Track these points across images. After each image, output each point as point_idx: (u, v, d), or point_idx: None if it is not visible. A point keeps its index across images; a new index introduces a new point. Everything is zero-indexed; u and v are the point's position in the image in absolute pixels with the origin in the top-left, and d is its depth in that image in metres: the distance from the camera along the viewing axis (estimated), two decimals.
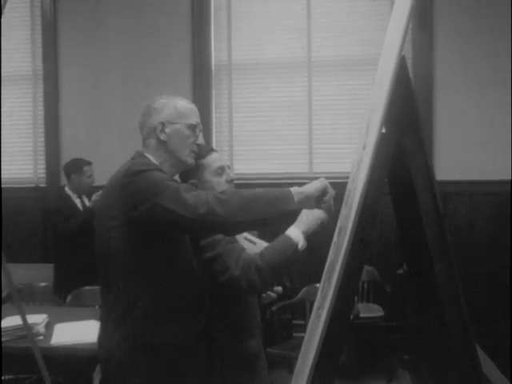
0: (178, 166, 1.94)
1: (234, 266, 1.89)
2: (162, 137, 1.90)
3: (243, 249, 1.99)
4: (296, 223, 1.93)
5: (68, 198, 4.41)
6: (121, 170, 1.84)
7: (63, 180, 5.19)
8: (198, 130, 1.96)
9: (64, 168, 4.51)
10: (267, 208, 1.64)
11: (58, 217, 4.25)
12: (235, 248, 1.96)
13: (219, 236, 1.94)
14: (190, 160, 1.94)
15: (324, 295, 1.65)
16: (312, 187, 1.70)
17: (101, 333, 1.92)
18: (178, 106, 1.94)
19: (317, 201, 1.71)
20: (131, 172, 1.76)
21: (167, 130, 1.90)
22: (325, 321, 1.38)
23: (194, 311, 1.91)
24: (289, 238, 1.92)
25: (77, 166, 4.40)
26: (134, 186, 1.73)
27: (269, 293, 2.20)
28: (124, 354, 1.79)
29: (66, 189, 4.47)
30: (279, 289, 2.20)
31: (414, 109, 1.30)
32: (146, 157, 1.91)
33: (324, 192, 1.71)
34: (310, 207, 1.73)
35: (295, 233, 1.92)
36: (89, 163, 4.41)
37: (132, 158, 1.93)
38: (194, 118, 1.96)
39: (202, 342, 1.94)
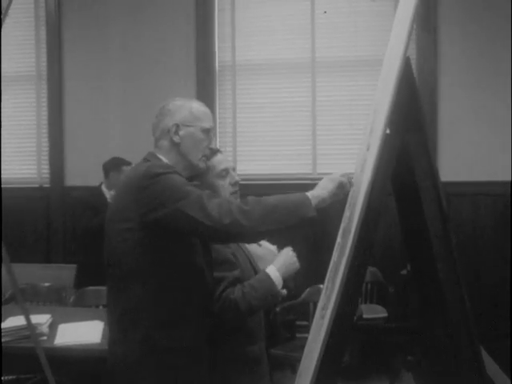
0: (190, 169, 1.92)
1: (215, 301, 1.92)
2: (176, 139, 1.89)
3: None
4: (275, 263, 2.01)
5: (102, 195, 4.41)
6: (137, 171, 1.82)
7: (67, 180, 5.22)
8: (211, 134, 1.96)
9: (103, 166, 4.49)
10: (288, 217, 1.65)
11: (87, 213, 4.27)
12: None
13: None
14: (202, 164, 1.93)
15: (328, 296, 1.65)
16: (325, 191, 1.70)
17: (110, 336, 1.90)
18: (193, 108, 1.93)
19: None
20: (149, 174, 1.74)
21: (181, 133, 1.89)
22: (329, 321, 1.38)
23: (203, 315, 1.89)
24: (272, 283, 1.97)
25: (116, 165, 4.41)
26: (152, 188, 1.71)
27: None
28: (134, 358, 1.78)
29: (103, 186, 4.48)
30: (284, 292, 2.20)
31: (419, 109, 1.30)
32: (159, 158, 1.90)
33: (339, 192, 1.73)
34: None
35: (277, 277, 1.99)
36: (128, 163, 4.40)
37: (145, 159, 1.92)
38: (209, 122, 1.95)
39: (208, 346, 1.93)
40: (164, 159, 1.90)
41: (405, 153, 1.38)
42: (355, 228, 1.30)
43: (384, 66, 1.89)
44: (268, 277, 1.98)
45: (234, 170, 2.12)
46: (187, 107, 1.93)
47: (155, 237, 1.74)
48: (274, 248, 2.18)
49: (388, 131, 1.42)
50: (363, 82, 4.87)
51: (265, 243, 2.20)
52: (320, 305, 2.03)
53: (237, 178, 2.09)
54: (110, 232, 1.85)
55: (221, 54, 5.08)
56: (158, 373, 1.78)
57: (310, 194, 1.69)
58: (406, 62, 1.26)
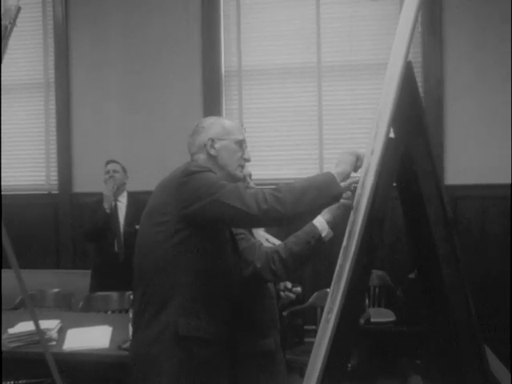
0: (228, 179, 2.00)
1: (256, 259, 2.02)
2: (212, 152, 2.02)
3: (261, 244, 2.10)
4: (322, 212, 2.04)
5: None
6: (175, 172, 1.93)
7: (75, 187, 5.25)
8: (244, 145, 2.09)
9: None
10: (318, 196, 1.74)
11: (86, 215, 4.32)
12: (255, 244, 2.08)
13: (241, 234, 2.08)
14: (239, 173, 2.06)
15: (333, 299, 1.66)
16: (348, 165, 1.79)
17: (134, 326, 1.96)
18: (225, 124, 2.07)
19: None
20: (187, 172, 1.86)
21: (216, 146, 2.02)
22: (333, 325, 1.39)
23: (227, 311, 1.96)
24: (314, 227, 2.04)
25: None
26: (189, 184, 1.82)
27: (287, 293, 2.24)
28: (157, 347, 1.83)
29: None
30: (298, 289, 2.25)
31: (421, 114, 1.31)
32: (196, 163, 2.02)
33: (360, 165, 1.82)
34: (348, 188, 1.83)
35: (320, 222, 2.05)
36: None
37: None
38: (240, 134, 2.09)
39: (229, 341, 1.99)
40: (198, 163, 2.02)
41: (408, 157, 1.39)
42: (359, 232, 1.31)
43: (388, 70, 1.90)
44: (311, 224, 2.06)
45: (250, 176, 2.20)
46: (219, 123, 2.07)
47: (189, 232, 1.84)
48: (279, 243, 2.21)
49: (392, 135, 1.43)
50: (369, 86, 4.88)
51: (272, 239, 2.24)
52: (326, 309, 2.04)
53: (252, 185, 2.23)
54: (145, 226, 1.94)
55: (227, 59, 5.11)
56: (180, 362, 1.83)
57: (334, 172, 1.77)
58: (408, 67, 1.27)
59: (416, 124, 1.31)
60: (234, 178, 2.02)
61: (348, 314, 1.32)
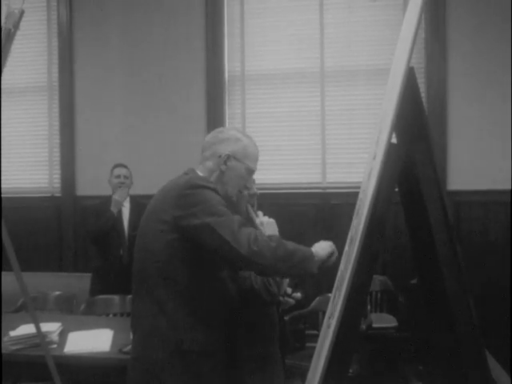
0: (223, 196, 1.99)
1: (252, 275, 2.06)
2: (223, 167, 2.00)
3: None
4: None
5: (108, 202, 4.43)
6: (178, 181, 1.92)
7: (78, 190, 5.25)
8: (252, 175, 2.09)
9: None
10: (299, 265, 1.80)
11: (90, 219, 4.34)
12: None
13: None
14: (234, 198, 2.04)
15: (335, 305, 1.65)
16: (325, 253, 1.88)
17: (134, 337, 1.96)
18: (248, 147, 2.05)
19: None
20: (191, 185, 1.85)
21: (229, 163, 2.01)
22: (334, 330, 1.39)
23: (225, 322, 1.96)
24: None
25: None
26: (190, 198, 1.81)
27: (287, 299, 2.24)
28: (158, 359, 1.83)
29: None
30: (298, 295, 2.25)
31: (423, 119, 1.31)
32: (199, 174, 2.00)
33: (333, 258, 1.91)
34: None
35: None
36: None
37: (185, 173, 2.01)
38: (255, 165, 2.09)
39: (226, 349, 1.98)
40: (202, 176, 2.00)
41: (410, 162, 1.39)
42: (360, 237, 1.30)
43: (390, 75, 1.90)
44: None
45: (254, 182, 2.20)
46: (243, 144, 2.04)
47: (185, 242, 1.82)
48: None
49: (394, 141, 1.43)
50: (372, 91, 4.87)
51: None
52: (327, 314, 2.03)
53: (256, 191, 2.19)
54: (144, 232, 1.93)
55: (230, 64, 5.12)
56: (181, 375, 1.83)
57: (315, 251, 1.85)
58: (410, 72, 1.27)
59: (418, 129, 1.31)
60: (227, 199, 1.99)
61: (349, 319, 1.32)
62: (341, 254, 1.96)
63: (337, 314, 1.37)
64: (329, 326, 1.67)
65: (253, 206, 2.19)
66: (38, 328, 1.95)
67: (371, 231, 1.28)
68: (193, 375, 1.84)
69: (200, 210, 1.78)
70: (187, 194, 1.82)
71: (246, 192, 2.09)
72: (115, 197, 4.20)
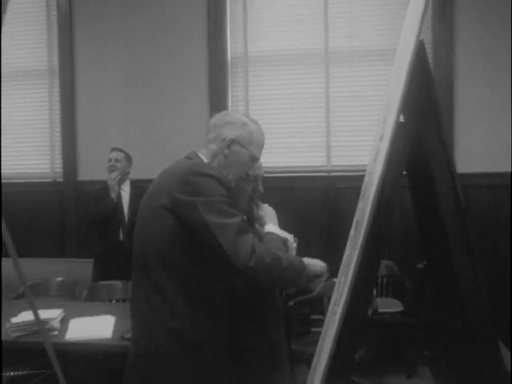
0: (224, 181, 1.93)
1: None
2: (226, 152, 1.93)
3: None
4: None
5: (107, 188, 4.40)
6: (181, 166, 1.83)
7: (80, 175, 5.21)
8: (256, 163, 2.01)
9: None
10: (291, 279, 1.78)
11: (92, 204, 4.30)
12: None
13: None
14: (233, 183, 1.97)
15: (340, 291, 1.60)
16: (314, 270, 1.84)
17: (134, 325, 1.91)
18: (254, 133, 1.98)
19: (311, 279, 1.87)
20: (196, 171, 1.77)
21: (232, 148, 1.93)
22: (340, 317, 1.33)
23: (226, 309, 1.90)
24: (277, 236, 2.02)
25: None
26: (193, 186, 1.74)
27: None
28: (159, 348, 1.78)
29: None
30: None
31: (433, 95, 1.23)
32: (201, 158, 1.93)
33: (319, 276, 1.87)
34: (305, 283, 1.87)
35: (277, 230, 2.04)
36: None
37: (187, 157, 1.94)
38: (259, 152, 2.01)
39: (229, 338, 1.94)
40: (205, 160, 1.93)
41: (419, 143, 1.32)
42: (367, 221, 1.24)
43: (397, 52, 1.82)
44: (271, 233, 2.00)
45: (261, 179, 2.13)
46: (249, 128, 1.97)
47: (185, 228, 1.75)
48: (291, 237, 2.15)
49: (402, 120, 1.36)
50: (377, 72, 4.78)
51: (284, 232, 2.18)
52: (333, 300, 1.98)
53: (260, 188, 2.12)
54: (144, 215, 1.87)
55: (233, 45, 5.03)
56: (182, 363, 1.78)
57: (307, 267, 1.81)
58: (420, 46, 1.19)
59: (428, 107, 1.24)
60: (226, 183, 1.90)
61: (356, 306, 1.26)
62: (347, 239, 1.92)
63: (343, 300, 1.31)
64: (334, 313, 1.61)
65: (253, 200, 2.12)
66: (36, 315, 1.90)
67: (379, 214, 1.22)
68: (194, 364, 1.79)
69: (201, 203, 1.71)
70: (191, 181, 1.75)
71: (246, 178, 2.03)
72: (108, 181, 4.16)
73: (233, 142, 1.92)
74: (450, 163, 1.26)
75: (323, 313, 3.89)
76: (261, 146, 2.00)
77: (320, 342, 2.06)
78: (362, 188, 1.93)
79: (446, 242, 1.33)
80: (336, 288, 2.02)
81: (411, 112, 1.24)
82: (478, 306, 1.36)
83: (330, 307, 1.96)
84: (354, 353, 1.37)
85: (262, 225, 2.05)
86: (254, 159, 1.98)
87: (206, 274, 1.82)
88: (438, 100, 1.25)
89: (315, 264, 1.86)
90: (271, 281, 1.78)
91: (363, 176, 1.91)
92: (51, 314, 2.90)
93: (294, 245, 2.12)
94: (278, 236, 1.97)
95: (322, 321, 3.68)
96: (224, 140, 1.92)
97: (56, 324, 2.86)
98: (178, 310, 1.78)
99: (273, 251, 1.74)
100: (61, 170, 5.27)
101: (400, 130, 1.26)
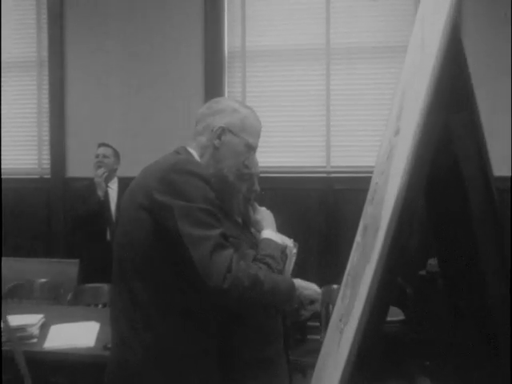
0: (217, 177, 1.72)
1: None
2: (216, 142, 1.71)
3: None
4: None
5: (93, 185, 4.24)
6: (166, 161, 1.64)
7: (68, 171, 5.03)
8: (253, 151, 1.79)
9: None
10: (274, 305, 1.72)
11: (77, 203, 4.16)
12: None
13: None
14: (231, 177, 1.75)
15: (348, 308, 1.41)
16: (305, 292, 1.73)
17: (113, 335, 1.71)
18: (246, 119, 1.76)
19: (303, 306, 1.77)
20: (179, 168, 1.56)
21: (223, 138, 1.72)
22: (354, 337, 1.14)
23: (214, 320, 1.70)
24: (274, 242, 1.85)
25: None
26: (173, 185, 1.53)
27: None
28: (138, 362, 1.60)
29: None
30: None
31: (467, 80, 1.05)
32: (191, 154, 1.73)
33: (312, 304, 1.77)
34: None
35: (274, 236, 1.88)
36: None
37: (176, 152, 1.73)
38: (256, 139, 1.79)
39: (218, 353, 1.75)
40: (196, 156, 1.73)
41: (446, 136, 1.13)
42: (387, 230, 1.04)
43: (411, 43, 1.66)
44: (268, 239, 1.81)
45: (257, 177, 1.94)
46: (241, 114, 1.76)
47: (165, 232, 1.55)
48: (290, 242, 1.98)
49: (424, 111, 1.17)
50: (380, 69, 4.65)
51: (283, 237, 2.00)
52: (336, 314, 1.80)
53: (257, 188, 1.95)
54: (124, 215, 1.68)
55: (230, 39, 4.87)
56: (161, 378, 1.60)
57: (296, 285, 1.68)
58: (454, 22, 1.00)
59: (460, 92, 1.05)
60: (222, 179, 1.72)
61: (373, 325, 1.07)
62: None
63: (357, 318, 1.13)
64: (341, 332, 1.43)
65: (249, 201, 1.94)
66: (5, 323, 1.74)
67: (401, 223, 1.02)
68: (174, 379, 1.60)
69: (177, 207, 1.49)
70: (172, 179, 1.54)
71: (246, 171, 1.83)
72: (94, 178, 4.01)
73: (223, 130, 1.70)
74: (483, 160, 1.08)
75: (320, 320, 3.73)
76: (256, 132, 1.78)
77: (321, 359, 1.88)
78: (370, 190, 1.76)
79: (475, 252, 1.14)
80: (339, 300, 1.83)
81: (439, 99, 1.05)
82: (505, 317, 1.19)
83: (334, 322, 1.77)
84: (373, 372, 1.19)
85: (259, 230, 1.87)
86: (250, 147, 1.76)
87: (188, 280, 1.57)
88: (472, 85, 1.07)
89: (308, 287, 1.73)
90: (243, 308, 1.63)
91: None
92: (31, 320, 2.73)
93: (294, 250, 1.95)
94: (276, 243, 1.79)
95: (318, 328, 3.52)
96: (213, 130, 1.71)
97: (35, 331, 2.68)
98: (152, 318, 1.59)
99: (253, 272, 1.52)
100: (48, 166, 5.10)
101: (425, 123, 1.07)
